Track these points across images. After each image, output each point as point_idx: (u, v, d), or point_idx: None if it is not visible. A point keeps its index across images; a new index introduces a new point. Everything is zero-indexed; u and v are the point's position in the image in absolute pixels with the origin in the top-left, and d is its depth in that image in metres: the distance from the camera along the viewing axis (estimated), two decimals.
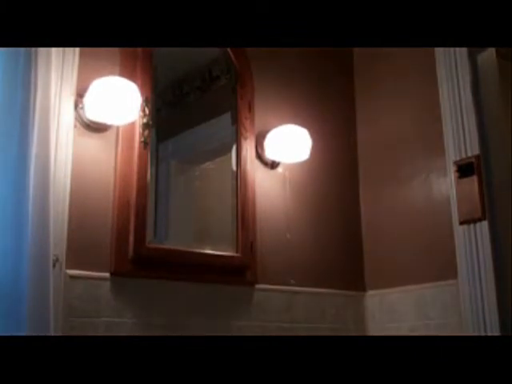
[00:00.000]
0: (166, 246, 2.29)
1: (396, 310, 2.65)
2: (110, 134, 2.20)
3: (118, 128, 2.20)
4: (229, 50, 2.58)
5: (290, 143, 2.57)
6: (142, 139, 2.22)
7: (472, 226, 2.39)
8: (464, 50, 2.53)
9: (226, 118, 2.63)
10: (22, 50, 1.87)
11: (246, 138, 2.53)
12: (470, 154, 2.44)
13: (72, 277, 1.99)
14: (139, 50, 2.27)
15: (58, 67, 2.01)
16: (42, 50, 1.90)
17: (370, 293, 2.79)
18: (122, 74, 2.20)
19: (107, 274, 2.09)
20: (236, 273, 2.40)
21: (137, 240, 2.14)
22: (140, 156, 2.21)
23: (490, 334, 2.20)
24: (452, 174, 2.49)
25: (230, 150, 2.56)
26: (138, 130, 2.22)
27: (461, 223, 2.43)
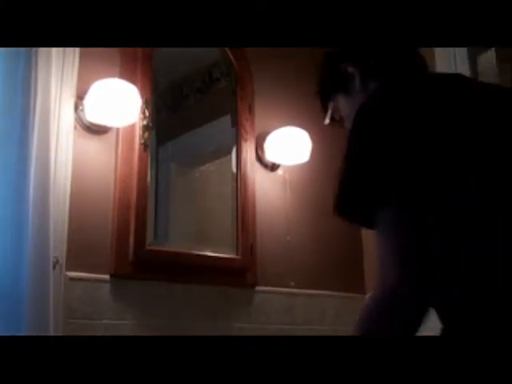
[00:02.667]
0: (166, 248, 2.28)
1: None
2: (110, 136, 2.20)
3: (118, 130, 2.20)
4: (229, 52, 2.59)
5: (290, 145, 2.57)
6: (142, 141, 2.22)
7: None
8: (464, 52, 2.53)
9: (226, 120, 2.63)
10: (22, 51, 1.87)
11: (246, 140, 2.53)
12: None
13: (72, 279, 1.99)
14: (139, 51, 2.27)
15: (58, 69, 2.01)
16: (42, 52, 1.91)
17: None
18: (122, 76, 2.20)
19: (107, 276, 2.09)
20: (236, 275, 2.40)
21: (137, 242, 2.14)
22: (140, 158, 2.21)
23: None
24: None
25: (230, 152, 2.57)
26: (137, 132, 2.22)
27: None
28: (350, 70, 1.26)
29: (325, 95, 1.37)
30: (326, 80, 1.34)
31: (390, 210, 1.00)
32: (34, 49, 1.88)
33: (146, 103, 2.21)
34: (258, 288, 2.46)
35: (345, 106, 1.30)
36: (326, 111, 1.40)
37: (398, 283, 0.95)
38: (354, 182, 1.06)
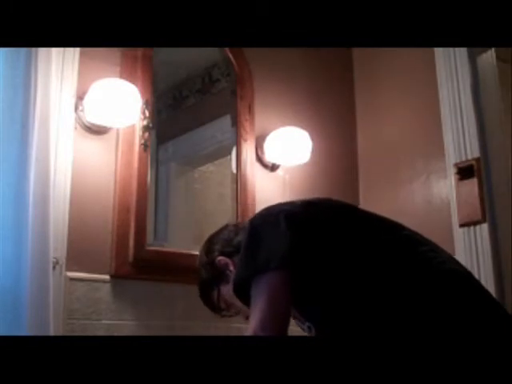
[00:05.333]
0: (166, 248, 2.28)
1: None
2: (110, 137, 2.20)
3: (118, 130, 2.20)
4: (229, 52, 2.58)
5: (290, 145, 2.57)
6: (142, 142, 2.21)
7: (472, 228, 2.39)
8: (464, 52, 2.53)
9: (226, 120, 2.63)
10: (22, 52, 1.87)
11: (245, 140, 2.53)
12: (470, 157, 2.44)
13: (72, 279, 1.99)
14: (140, 52, 2.27)
15: (58, 69, 2.01)
16: (42, 52, 1.91)
17: None
18: (122, 76, 2.20)
19: (107, 277, 2.08)
20: None
21: (137, 242, 2.13)
22: (140, 158, 2.20)
23: None
24: (452, 176, 2.49)
25: (229, 153, 2.56)
26: (137, 132, 2.21)
27: (461, 226, 2.42)
28: (223, 260, 1.49)
29: (208, 294, 1.59)
30: (207, 280, 1.57)
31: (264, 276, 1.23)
32: (33, 49, 1.88)
33: (146, 103, 2.21)
34: None
35: (228, 293, 1.48)
36: (212, 307, 1.60)
37: (255, 331, 1.18)
38: (246, 265, 1.29)
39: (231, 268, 1.47)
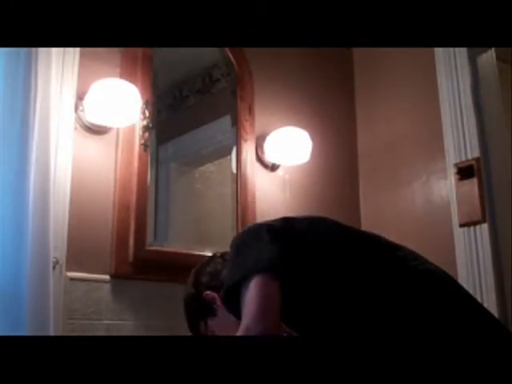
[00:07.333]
0: (166, 248, 2.28)
1: None
2: (110, 137, 2.20)
3: (118, 130, 2.20)
4: (229, 52, 2.58)
5: (290, 145, 2.57)
6: (142, 142, 2.21)
7: (472, 228, 2.39)
8: (464, 52, 2.53)
9: (226, 120, 2.63)
10: (22, 52, 1.87)
11: (246, 140, 2.53)
12: (470, 157, 2.44)
13: (72, 279, 1.99)
14: (140, 52, 2.27)
15: (58, 69, 2.01)
16: (42, 52, 1.91)
17: None
18: (122, 77, 2.20)
19: (107, 277, 2.08)
20: None
21: (137, 242, 2.13)
22: (140, 158, 2.20)
23: None
24: (452, 176, 2.49)
25: (229, 153, 2.56)
26: (137, 132, 2.21)
27: (461, 226, 2.42)
28: (211, 295, 1.52)
29: (195, 325, 1.59)
30: (194, 313, 1.58)
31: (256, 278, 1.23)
32: (33, 49, 1.88)
33: (146, 103, 2.21)
34: None
35: (216, 326, 1.54)
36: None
37: (248, 329, 1.18)
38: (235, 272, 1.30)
39: (218, 302, 1.49)
